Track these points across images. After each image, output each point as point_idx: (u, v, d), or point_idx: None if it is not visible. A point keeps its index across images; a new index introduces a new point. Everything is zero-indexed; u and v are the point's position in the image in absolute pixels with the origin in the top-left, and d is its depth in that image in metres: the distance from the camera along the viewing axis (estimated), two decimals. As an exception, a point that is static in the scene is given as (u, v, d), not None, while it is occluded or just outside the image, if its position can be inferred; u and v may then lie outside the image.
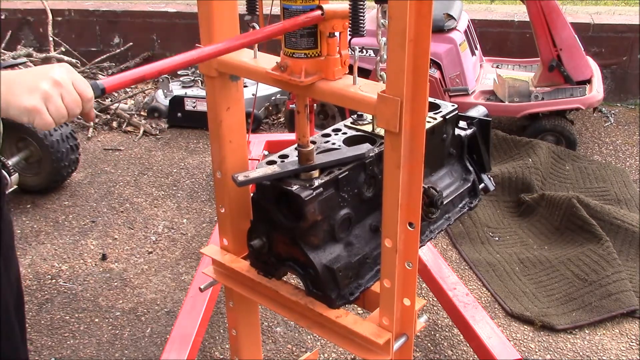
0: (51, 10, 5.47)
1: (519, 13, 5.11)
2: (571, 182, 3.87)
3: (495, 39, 5.07)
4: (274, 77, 1.39)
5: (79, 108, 1.15)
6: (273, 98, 4.75)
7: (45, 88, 1.12)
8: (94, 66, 5.25)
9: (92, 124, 4.65)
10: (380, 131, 1.59)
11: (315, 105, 4.05)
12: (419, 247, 1.36)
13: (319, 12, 1.29)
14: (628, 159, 4.25)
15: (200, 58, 1.26)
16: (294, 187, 1.40)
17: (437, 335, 2.80)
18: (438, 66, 4.10)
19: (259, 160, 3.52)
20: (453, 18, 4.19)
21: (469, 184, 1.76)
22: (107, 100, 5.02)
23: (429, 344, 2.75)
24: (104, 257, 3.29)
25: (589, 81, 4.15)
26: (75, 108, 1.14)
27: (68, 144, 3.73)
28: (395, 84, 1.18)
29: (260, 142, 3.84)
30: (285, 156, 1.53)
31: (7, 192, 3.43)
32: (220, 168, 1.62)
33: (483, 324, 2.46)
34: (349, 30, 1.38)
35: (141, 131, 4.61)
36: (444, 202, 1.64)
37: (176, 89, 4.74)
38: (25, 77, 1.13)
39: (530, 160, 3.87)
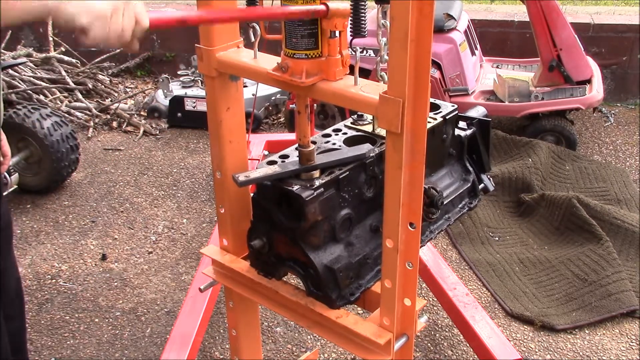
0: (51, 10, 5.46)
1: (519, 13, 5.11)
2: (571, 182, 3.87)
3: (495, 39, 5.07)
4: (275, 78, 1.39)
5: (130, 32, 1.15)
6: (273, 98, 4.75)
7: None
8: (93, 66, 5.26)
9: (92, 124, 4.66)
10: (381, 131, 1.59)
11: (315, 105, 4.05)
12: (419, 247, 1.36)
13: (322, 7, 1.28)
14: (628, 159, 4.25)
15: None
16: (295, 188, 1.39)
17: (437, 335, 2.80)
18: (438, 66, 4.10)
19: (259, 160, 3.52)
20: (453, 18, 4.19)
21: (469, 184, 1.76)
22: (107, 100, 5.02)
23: (429, 344, 2.75)
24: (104, 257, 3.29)
25: (589, 81, 4.15)
26: (128, 29, 1.14)
27: (68, 144, 3.73)
28: (397, 84, 1.18)
29: (260, 142, 3.84)
30: (285, 156, 1.53)
31: (6, 193, 3.44)
32: (220, 168, 1.61)
33: (483, 324, 2.46)
34: (350, 31, 1.38)
35: (141, 131, 4.61)
36: (444, 202, 1.64)
37: (176, 89, 4.73)
38: None
39: (530, 160, 3.87)
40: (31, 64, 5.04)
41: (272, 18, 1.41)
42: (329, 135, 1.63)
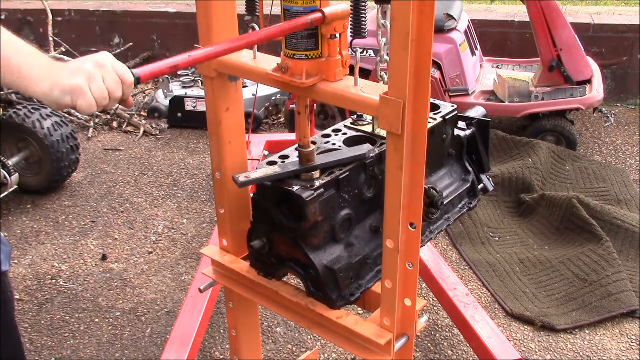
0: (51, 10, 5.46)
1: (519, 13, 5.11)
2: (571, 182, 3.87)
3: (495, 39, 5.07)
4: (275, 79, 1.39)
5: (119, 91, 1.16)
6: (273, 98, 4.75)
7: (88, 68, 1.13)
8: (93, 66, 5.25)
9: (92, 124, 4.66)
10: (380, 131, 1.59)
11: (315, 105, 4.05)
12: (419, 247, 1.36)
13: (319, 15, 1.28)
14: (628, 159, 4.25)
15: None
16: (295, 188, 1.39)
17: (437, 335, 2.80)
18: (438, 66, 4.10)
19: (259, 160, 3.52)
20: (453, 18, 4.19)
21: (468, 184, 1.76)
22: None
23: (429, 344, 2.75)
24: (104, 257, 3.29)
25: (589, 81, 4.14)
26: (116, 90, 1.15)
27: (68, 144, 3.73)
28: (398, 85, 1.18)
29: (260, 142, 3.84)
30: (285, 156, 1.53)
31: (6, 193, 3.43)
32: (219, 168, 1.61)
33: (483, 324, 2.46)
34: (350, 32, 1.37)
35: (141, 131, 4.60)
36: (444, 202, 1.64)
37: (176, 89, 4.73)
38: (67, 63, 1.17)
39: (530, 160, 3.87)
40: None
41: (271, 38, 1.32)
42: (328, 136, 1.63)
